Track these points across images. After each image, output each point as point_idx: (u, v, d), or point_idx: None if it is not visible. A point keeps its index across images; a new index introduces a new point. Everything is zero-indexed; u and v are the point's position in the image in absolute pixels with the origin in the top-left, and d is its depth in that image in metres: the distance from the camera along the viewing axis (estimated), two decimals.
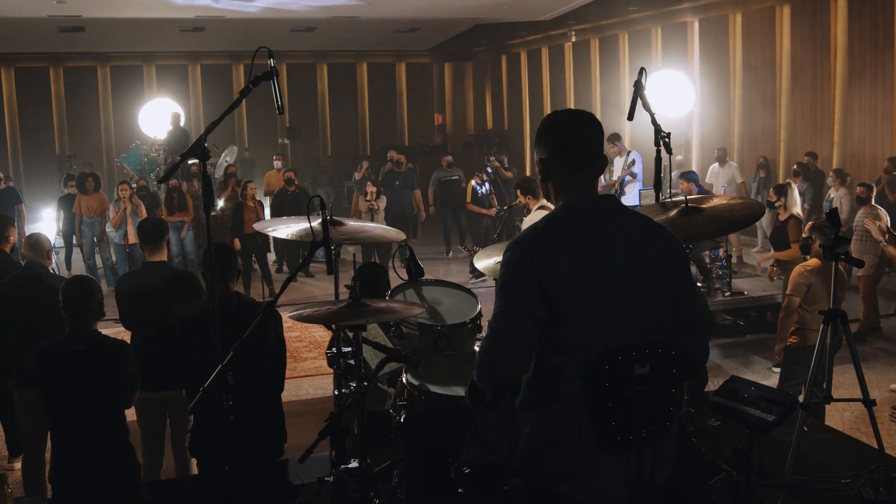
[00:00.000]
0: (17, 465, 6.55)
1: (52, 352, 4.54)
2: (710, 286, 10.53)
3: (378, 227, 4.10)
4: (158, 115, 17.70)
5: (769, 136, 15.15)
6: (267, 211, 14.18)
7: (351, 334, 3.48)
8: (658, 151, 4.38)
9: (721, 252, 11.19)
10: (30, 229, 16.47)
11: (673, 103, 14.91)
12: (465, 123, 25.90)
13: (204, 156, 3.87)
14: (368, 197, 13.56)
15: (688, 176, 10.99)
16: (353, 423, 3.61)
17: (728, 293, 10.38)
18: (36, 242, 6.46)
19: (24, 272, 6.30)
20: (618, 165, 13.00)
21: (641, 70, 4.21)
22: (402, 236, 4.09)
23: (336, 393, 3.50)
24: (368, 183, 13.98)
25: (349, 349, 3.55)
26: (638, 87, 4.19)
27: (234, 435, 3.59)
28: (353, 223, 3.87)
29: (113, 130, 22.86)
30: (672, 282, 2.87)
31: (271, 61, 3.96)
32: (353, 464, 3.47)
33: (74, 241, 14.27)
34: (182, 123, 17.29)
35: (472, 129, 25.54)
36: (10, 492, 4.09)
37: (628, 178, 12.72)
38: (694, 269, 10.88)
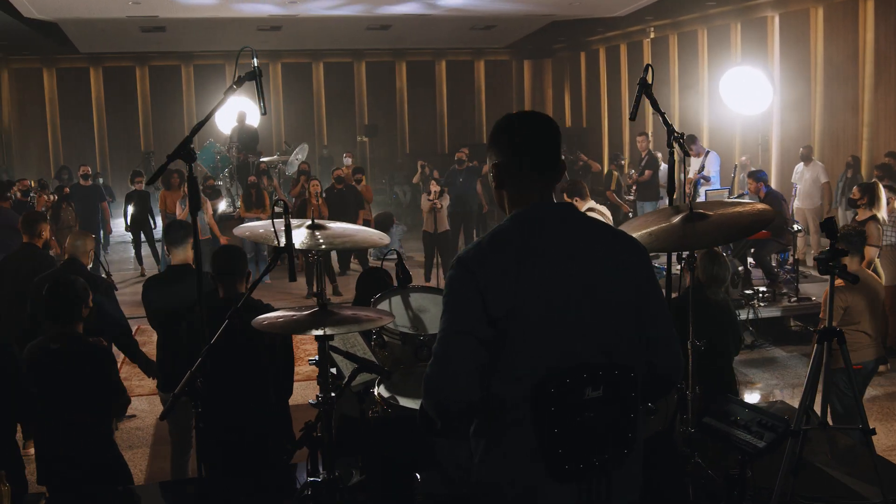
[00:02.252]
0: (32, 450, 6.70)
1: (34, 350, 4.59)
2: (777, 291, 10.11)
3: (361, 231, 3.96)
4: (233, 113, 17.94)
5: (851, 136, 14.49)
6: None
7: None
8: (671, 153, 4.13)
9: (790, 255, 10.75)
10: (114, 225, 16.94)
11: (749, 101, 14.41)
12: None
13: (189, 157, 3.79)
14: (431, 196, 13.43)
15: (756, 175, 10.58)
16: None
17: (794, 298, 9.94)
18: (73, 243, 6.58)
19: (62, 269, 6.42)
20: (694, 166, 12.60)
21: (647, 67, 3.97)
22: (386, 241, 3.95)
23: (310, 403, 3.37)
24: (432, 182, 13.84)
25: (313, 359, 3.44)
26: (643, 86, 3.93)
27: (211, 440, 3.50)
28: (334, 227, 3.74)
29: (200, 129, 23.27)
30: (636, 296, 2.65)
31: (255, 61, 3.86)
32: (321, 476, 3.34)
33: (143, 237, 14.56)
34: (253, 122, 17.51)
35: None
36: (6, 488, 4.07)
37: (702, 179, 12.30)
38: (758, 272, 10.50)
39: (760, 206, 3.77)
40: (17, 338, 5.77)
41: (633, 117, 4.01)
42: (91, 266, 6.86)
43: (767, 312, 9.79)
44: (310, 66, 24.42)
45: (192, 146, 3.82)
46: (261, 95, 3.83)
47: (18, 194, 13.27)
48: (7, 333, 5.99)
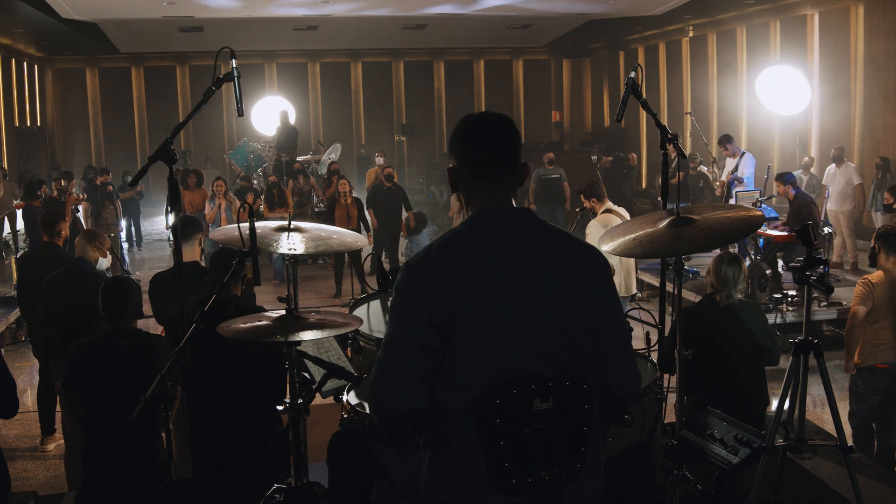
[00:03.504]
0: (50, 446, 6.76)
1: (92, 347, 4.56)
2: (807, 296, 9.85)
3: (338, 235, 3.88)
4: (270, 113, 18.08)
5: (892, 136, 14.13)
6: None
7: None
8: (664, 155, 4.02)
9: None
10: (154, 223, 17.13)
11: (787, 101, 14.15)
12: (582, 120, 25.40)
13: (170, 159, 3.77)
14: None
15: (784, 177, 10.33)
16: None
17: (825, 303, 9.69)
18: (81, 241, 6.59)
19: (72, 267, 6.44)
20: (728, 167, 12.37)
21: (636, 67, 3.85)
22: (363, 244, 3.88)
23: (277, 409, 3.33)
24: None
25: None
26: (631, 87, 3.82)
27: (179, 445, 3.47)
28: (311, 230, 3.68)
29: (235, 127, 23.48)
30: (590, 308, 2.55)
31: (233, 62, 3.84)
32: (289, 483, 3.29)
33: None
34: (292, 121, 17.60)
35: (590, 126, 25.00)
36: None
37: (735, 181, 12.06)
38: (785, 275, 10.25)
39: (749, 210, 3.63)
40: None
41: (619, 118, 3.90)
42: (107, 263, 6.87)
43: (796, 317, 9.56)
44: (348, 65, 24.47)
45: (172, 148, 3.81)
46: (239, 96, 3.78)
47: (55, 193, 13.44)
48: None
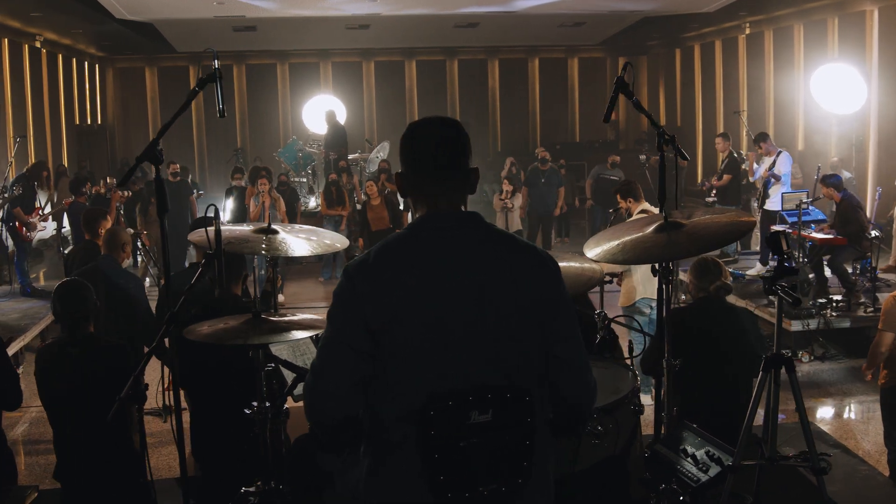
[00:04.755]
0: None
1: (48, 354, 4.58)
2: (854, 300, 9.57)
3: (317, 237, 3.83)
4: (321, 112, 18.18)
5: None
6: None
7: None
8: (662, 156, 3.89)
9: (870, 263, 10.15)
10: None
11: (843, 99, 13.76)
12: (637, 120, 25.02)
13: (156, 159, 3.77)
14: (504, 196, 13.26)
15: (828, 180, 10.04)
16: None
17: (872, 309, 9.38)
18: (111, 237, 6.68)
19: (93, 265, 6.54)
20: (765, 165, 12.05)
21: (626, 65, 3.74)
22: (342, 247, 3.82)
23: (245, 412, 3.29)
24: (504, 181, 13.67)
25: (270, 366, 3.35)
26: (619, 86, 3.70)
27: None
28: (285, 234, 3.63)
29: (290, 126, 23.67)
30: (541, 315, 2.46)
31: (216, 62, 3.82)
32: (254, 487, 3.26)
33: None
34: (343, 120, 17.68)
35: (646, 125, 24.62)
36: None
37: (772, 179, 11.76)
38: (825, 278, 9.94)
39: (738, 214, 3.49)
40: None
41: (606, 119, 3.81)
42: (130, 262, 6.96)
43: (839, 323, 9.28)
44: (402, 64, 24.49)
45: (159, 148, 3.81)
46: (220, 97, 3.77)
47: (102, 190, 13.69)
48: None
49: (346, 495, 2.55)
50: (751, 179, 12.91)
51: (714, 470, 2.91)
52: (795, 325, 9.12)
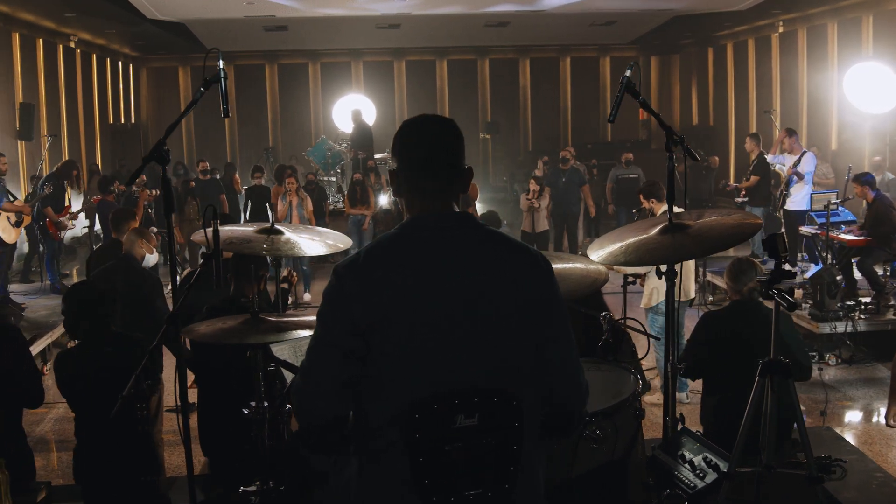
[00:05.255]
0: None
1: (72, 355, 4.60)
2: (883, 303, 9.41)
3: (320, 237, 3.81)
4: (349, 111, 18.21)
5: None
6: None
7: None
8: (670, 157, 3.84)
9: None
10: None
11: (876, 99, 13.52)
12: (670, 119, 24.83)
13: (162, 160, 3.78)
14: (530, 195, 13.20)
15: (861, 179, 9.87)
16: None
17: None
18: (128, 238, 6.75)
19: (113, 264, 6.60)
20: (788, 163, 11.89)
21: (632, 65, 3.68)
22: (346, 246, 3.81)
23: (243, 412, 3.29)
24: (531, 180, 13.61)
25: (272, 366, 3.35)
26: (626, 86, 3.65)
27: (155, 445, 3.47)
28: (289, 234, 3.63)
29: (322, 125, 23.76)
30: (532, 316, 2.43)
31: (220, 63, 3.83)
32: (253, 487, 3.26)
33: None
34: (372, 119, 17.71)
35: (678, 124, 24.44)
36: (4, 476, 4.15)
37: (795, 178, 11.59)
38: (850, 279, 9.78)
39: (743, 215, 3.43)
40: None
41: (611, 119, 3.74)
42: (154, 260, 6.98)
43: (868, 325, 9.13)
44: (434, 63, 24.50)
45: (165, 148, 3.81)
46: (223, 97, 3.77)
47: (133, 188, 13.80)
48: None
49: (337, 496, 2.53)
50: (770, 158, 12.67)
51: (711, 477, 2.86)
52: (823, 328, 8.99)
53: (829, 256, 9.88)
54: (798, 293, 9.78)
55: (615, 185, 15.26)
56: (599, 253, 3.48)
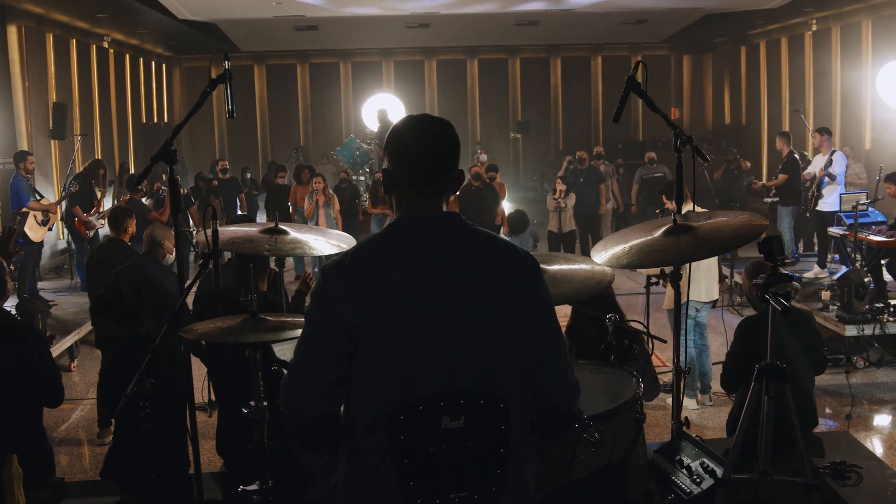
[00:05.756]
0: (107, 438, 6.93)
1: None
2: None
3: (324, 236, 3.80)
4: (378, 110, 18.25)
5: None
6: None
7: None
8: (679, 157, 3.79)
9: None
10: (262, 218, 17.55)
11: None
12: (702, 118, 24.64)
13: (170, 159, 3.80)
14: (557, 195, 13.14)
15: (893, 178, 9.71)
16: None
17: None
18: (149, 237, 6.78)
19: (133, 263, 6.64)
20: (819, 164, 11.72)
21: (637, 64, 3.64)
22: (351, 246, 3.79)
23: (243, 411, 3.30)
24: (558, 180, 13.54)
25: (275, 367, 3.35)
26: (631, 85, 3.60)
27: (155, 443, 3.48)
28: (295, 234, 3.63)
29: (353, 124, 23.84)
30: (518, 317, 2.42)
31: (227, 64, 3.84)
32: (253, 486, 3.27)
33: None
34: (395, 120, 17.70)
35: (711, 123, 24.22)
36: (18, 471, 4.20)
37: (826, 179, 11.43)
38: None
39: (751, 218, 3.38)
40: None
41: (616, 120, 3.70)
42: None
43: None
44: (464, 62, 24.49)
45: (173, 148, 3.83)
46: (230, 98, 3.78)
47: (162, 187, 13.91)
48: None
49: (328, 496, 2.53)
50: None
51: (707, 483, 2.82)
52: (850, 331, 8.87)
53: (859, 258, 9.74)
54: (826, 295, 9.64)
55: (641, 186, 15.12)
56: (603, 255, 3.45)
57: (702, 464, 2.91)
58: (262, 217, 15.24)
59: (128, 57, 20.35)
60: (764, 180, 15.63)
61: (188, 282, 3.28)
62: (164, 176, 13.57)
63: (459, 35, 21.60)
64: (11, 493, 4.14)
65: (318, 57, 24.07)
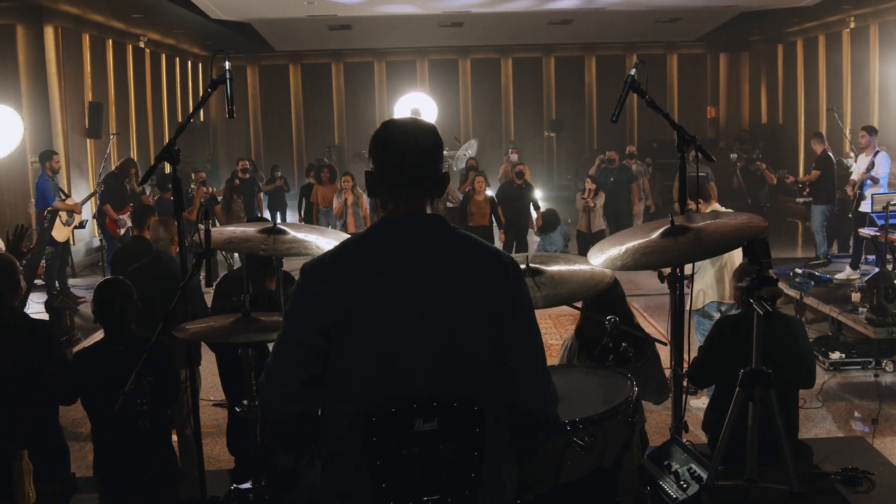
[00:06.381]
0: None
1: (89, 354, 4.67)
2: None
3: (323, 236, 3.80)
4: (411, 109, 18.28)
5: None
6: None
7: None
8: (682, 157, 3.74)
9: None
10: (290, 217, 17.66)
11: None
12: (739, 117, 24.36)
13: (173, 159, 3.82)
14: (586, 194, 13.06)
15: None
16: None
17: None
18: (157, 234, 6.80)
19: (150, 260, 6.67)
20: (861, 165, 11.51)
21: (637, 63, 3.60)
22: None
23: (236, 409, 3.32)
24: (587, 179, 13.46)
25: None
26: (630, 84, 3.56)
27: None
28: (294, 234, 3.64)
29: None
30: (495, 322, 2.40)
31: (227, 64, 3.85)
32: (247, 484, 3.29)
33: None
34: (432, 119, 17.73)
35: (747, 122, 23.94)
36: (28, 467, 4.25)
37: (869, 180, 11.22)
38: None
39: (750, 219, 3.32)
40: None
41: (614, 119, 3.66)
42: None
43: None
44: (498, 61, 24.45)
45: (176, 148, 3.86)
46: (229, 99, 3.79)
47: (191, 185, 14.07)
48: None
49: (305, 496, 2.54)
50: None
51: (693, 489, 2.78)
52: (880, 333, 8.72)
53: (891, 259, 9.58)
54: (855, 297, 9.49)
55: (682, 186, 14.95)
56: (599, 257, 3.41)
57: (689, 469, 2.87)
58: (292, 216, 15.37)
59: (164, 56, 20.57)
60: (801, 175, 15.40)
61: (182, 282, 3.30)
62: (192, 175, 13.72)
63: (493, 34, 21.57)
64: (22, 488, 4.20)
65: (353, 56, 24.16)
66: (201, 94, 22.90)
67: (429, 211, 2.50)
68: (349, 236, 2.50)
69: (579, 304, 3.61)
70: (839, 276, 11.24)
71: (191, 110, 23.61)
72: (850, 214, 12.04)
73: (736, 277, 4.78)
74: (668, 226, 3.35)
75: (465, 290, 2.38)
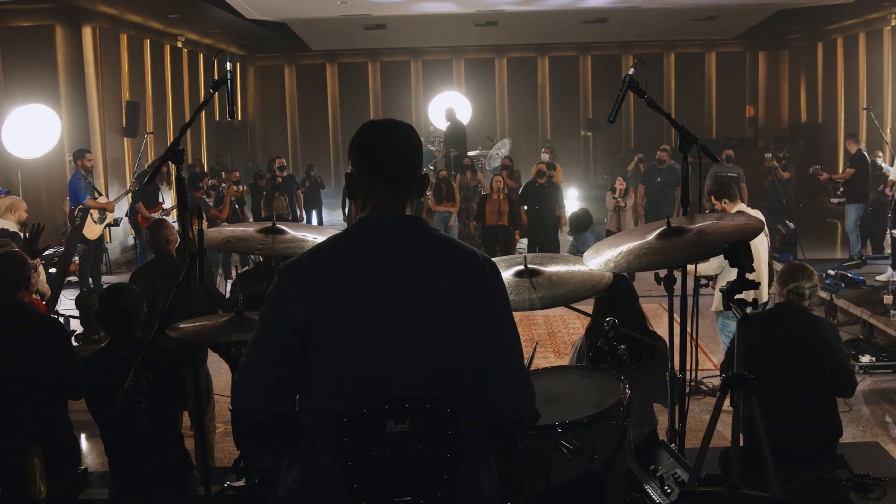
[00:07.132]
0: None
1: (94, 360, 4.68)
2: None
3: (322, 236, 3.81)
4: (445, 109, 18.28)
5: None
6: None
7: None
8: (684, 157, 3.70)
9: None
10: (337, 214, 17.76)
11: None
12: (778, 116, 24.02)
13: (177, 159, 3.86)
14: (617, 194, 12.98)
15: None
16: None
17: None
18: (162, 236, 6.76)
19: (152, 262, 6.66)
20: None
21: (636, 63, 3.57)
22: None
23: (230, 409, 3.34)
24: (618, 178, 13.37)
25: None
26: (629, 84, 3.52)
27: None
28: (293, 233, 3.66)
29: (423, 122, 23.91)
30: (473, 324, 2.40)
31: (228, 65, 3.88)
32: (240, 483, 3.31)
33: None
34: (467, 118, 17.76)
35: (786, 121, 23.61)
36: (39, 461, 4.31)
37: None
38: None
39: (748, 219, 3.28)
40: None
41: (611, 119, 3.63)
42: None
43: None
44: (535, 60, 24.37)
45: (180, 148, 3.89)
46: (231, 99, 3.82)
47: (222, 184, 14.19)
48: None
49: (283, 495, 2.55)
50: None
51: (675, 494, 2.75)
52: None
53: None
54: (888, 299, 9.33)
55: (713, 184, 14.77)
56: (595, 259, 3.39)
57: (674, 474, 2.85)
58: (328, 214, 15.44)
59: (201, 56, 20.78)
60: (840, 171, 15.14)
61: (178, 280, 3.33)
62: (223, 174, 13.84)
63: (529, 32, 21.50)
64: (33, 483, 4.27)
65: (389, 55, 24.22)
66: (239, 93, 23.04)
67: (408, 212, 2.50)
68: (328, 237, 2.49)
69: (578, 305, 3.57)
70: (880, 277, 11.03)
71: (228, 109, 23.80)
72: (890, 214, 11.83)
73: (777, 278, 4.70)
74: (665, 227, 3.31)
75: (442, 292, 2.37)
